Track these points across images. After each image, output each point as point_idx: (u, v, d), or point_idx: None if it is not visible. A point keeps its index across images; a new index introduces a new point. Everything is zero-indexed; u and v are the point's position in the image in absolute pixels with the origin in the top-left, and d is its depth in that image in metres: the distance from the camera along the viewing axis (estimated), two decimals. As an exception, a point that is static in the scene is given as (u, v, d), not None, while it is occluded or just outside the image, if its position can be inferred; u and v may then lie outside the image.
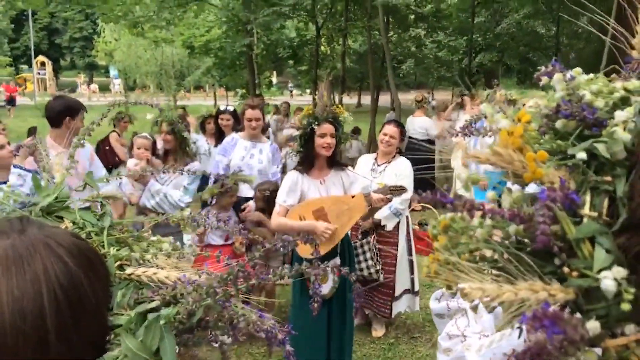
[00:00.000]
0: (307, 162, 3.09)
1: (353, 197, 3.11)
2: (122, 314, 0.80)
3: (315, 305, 1.00)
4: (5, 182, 3.14)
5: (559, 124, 0.66)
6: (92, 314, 0.71)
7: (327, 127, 2.99)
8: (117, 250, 0.96)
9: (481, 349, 1.02)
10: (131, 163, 3.73)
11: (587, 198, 0.61)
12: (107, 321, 0.76)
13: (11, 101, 22.23)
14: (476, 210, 0.59)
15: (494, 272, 0.60)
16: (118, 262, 0.93)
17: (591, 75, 0.75)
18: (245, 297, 0.88)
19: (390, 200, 3.24)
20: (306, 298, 3.04)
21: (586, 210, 0.60)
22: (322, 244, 3.01)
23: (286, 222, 3.02)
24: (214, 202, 3.90)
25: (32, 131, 9.53)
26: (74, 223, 1.02)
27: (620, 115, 0.65)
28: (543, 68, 0.75)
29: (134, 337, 0.74)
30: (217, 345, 0.87)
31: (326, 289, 3.05)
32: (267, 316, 0.82)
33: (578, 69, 0.76)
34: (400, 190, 3.29)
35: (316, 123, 2.97)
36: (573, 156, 0.63)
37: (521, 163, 0.61)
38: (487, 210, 0.58)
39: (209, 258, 1.05)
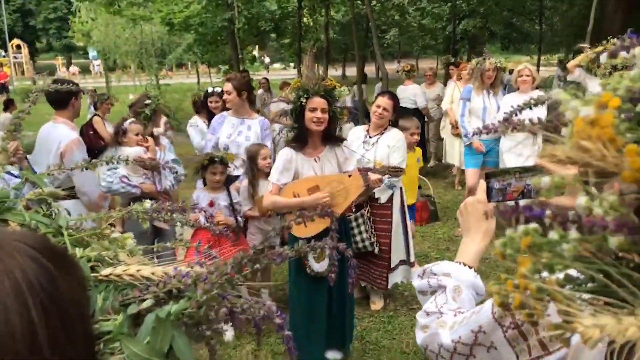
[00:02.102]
0: (300, 138, 2.99)
1: (350, 176, 3.05)
2: (108, 319, 0.73)
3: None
4: None
5: None
6: (80, 322, 0.63)
7: (318, 101, 2.87)
8: (84, 250, 0.88)
9: (454, 326, 1.02)
10: (139, 151, 3.52)
11: None
12: (92, 329, 0.68)
13: (3, 88, 21.46)
14: (571, 223, 0.48)
15: (585, 297, 0.50)
16: (90, 264, 0.86)
17: None
18: (241, 283, 0.82)
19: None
20: (303, 277, 3.01)
21: None
22: (317, 222, 2.96)
23: (281, 200, 2.96)
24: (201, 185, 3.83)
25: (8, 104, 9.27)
26: (22, 225, 0.91)
27: None
28: (617, 43, 0.63)
29: (135, 340, 0.68)
30: (213, 341, 0.82)
31: (323, 266, 3.02)
32: (264, 301, 0.78)
33: None
34: (398, 171, 3.26)
35: (306, 96, 2.87)
36: None
37: (616, 159, 0.49)
38: (586, 222, 0.47)
39: (197, 248, 0.99)
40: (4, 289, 0.55)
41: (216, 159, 3.57)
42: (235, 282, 0.76)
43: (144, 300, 0.75)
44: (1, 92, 21.46)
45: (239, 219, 3.72)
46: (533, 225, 0.50)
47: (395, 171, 3.30)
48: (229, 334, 3.35)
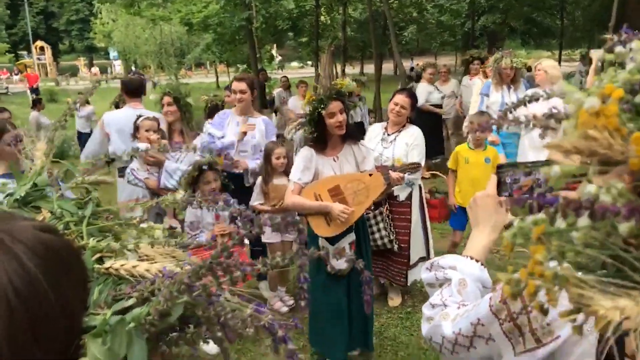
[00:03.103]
0: (321, 142, 3.04)
1: (370, 175, 3.08)
2: (98, 314, 0.70)
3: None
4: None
5: None
6: (57, 322, 0.60)
7: (335, 105, 2.91)
8: (98, 241, 0.86)
9: (456, 318, 1.04)
10: (143, 147, 3.68)
11: None
12: (79, 326, 0.66)
13: (36, 91, 21.49)
14: (584, 209, 0.49)
15: (603, 280, 0.51)
16: (97, 255, 0.83)
17: None
18: (240, 290, 0.75)
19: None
20: (323, 275, 3.03)
21: None
22: (338, 224, 3.00)
23: (302, 201, 2.99)
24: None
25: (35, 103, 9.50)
26: (52, 213, 0.92)
27: None
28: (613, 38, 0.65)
29: (101, 342, 0.65)
30: (207, 345, 0.78)
31: (343, 264, 3.05)
32: (264, 310, 0.69)
33: None
34: (417, 167, 3.28)
35: (322, 107, 2.91)
36: None
37: (622, 147, 0.51)
38: (598, 208, 0.48)
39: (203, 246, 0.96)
40: None
41: (204, 167, 3.33)
42: (207, 290, 0.67)
43: (131, 297, 0.72)
44: (33, 95, 21.71)
45: (239, 223, 3.62)
46: (542, 215, 0.52)
47: (414, 167, 3.31)
48: (212, 345, 3.32)
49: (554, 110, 0.65)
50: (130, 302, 0.70)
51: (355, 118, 7.08)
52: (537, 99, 0.71)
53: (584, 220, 0.49)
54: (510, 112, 0.70)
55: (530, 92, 5.09)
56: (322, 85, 3.01)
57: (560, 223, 0.50)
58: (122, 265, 0.78)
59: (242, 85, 4.00)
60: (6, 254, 0.58)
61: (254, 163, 3.91)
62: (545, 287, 0.50)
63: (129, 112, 3.87)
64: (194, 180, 3.30)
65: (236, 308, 0.70)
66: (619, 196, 0.50)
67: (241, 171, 3.90)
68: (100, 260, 0.82)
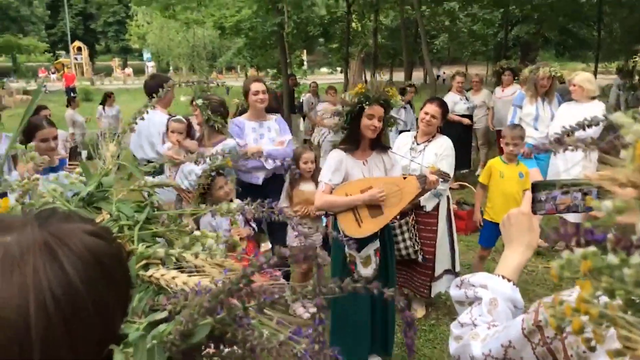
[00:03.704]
0: (353, 142, 3.03)
1: (405, 178, 3.06)
2: (134, 322, 0.69)
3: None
4: (56, 169, 3.18)
5: None
6: (92, 328, 0.61)
7: (377, 109, 2.92)
8: (148, 247, 0.85)
9: (486, 339, 1.01)
10: (165, 147, 3.75)
11: None
12: (116, 332, 0.66)
13: (71, 90, 21.93)
14: (635, 248, 0.46)
15: None
16: (143, 261, 0.82)
17: None
18: (268, 312, 0.70)
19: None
20: (346, 276, 3.02)
21: None
22: (370, 225, 2.98)
23: (334, 198, 2.98)
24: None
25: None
26: (110, 215, 0.92)
27: None
28: None
29: (121, 354, 0.64)
30: None
31: (369, 271, 3.03)
32: (295, 338, 0.65)
33: None
34: (446, 176, 3.24)
35: (367, 103, 2.90)
36: None
37: None
38: None
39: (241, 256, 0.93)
40: (11, 284, 0.57)
41: (213, 174, 3.38)
42: (233, 312, 0.64)
43: (165, 310, 0.70)
44: (70, 94, 22.22)
45: (253, 225, 3.54)
46: (592, 248, 0.49)
47: (445, 175, 3.27)
48: None
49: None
50: (163, 315, 0.69)
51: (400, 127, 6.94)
52: (597, 124, 0.68)
53: (637, 258, 0.47)
54: (568, 136, 0.67)
55: (592, 105, 4.87)
56: (373, 87, 2.96)
57: (612, 258, 0.48)
58: (162, 275, 0.78)
59: (263, 86, 3.96)
60: (50, 258, 0.59)
61: (270, 147, 3.84)
62: (592, 325, 0.48)
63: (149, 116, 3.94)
64: (205, 191, 3.19)
65: (268, 333, 0.67)
66: None
67: (260, 159, 3.84)
68: (146, 267, 0.82)
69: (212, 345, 0.69)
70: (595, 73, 14.67)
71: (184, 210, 1.07)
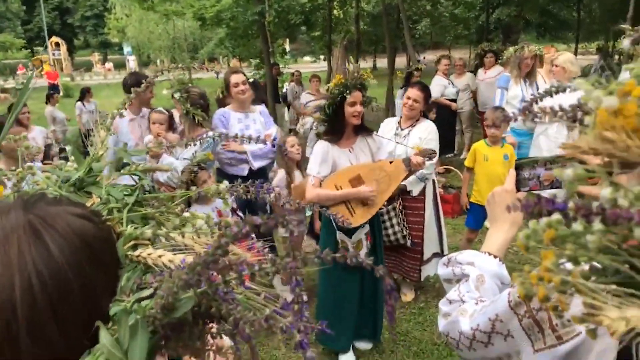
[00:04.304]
0: (337, 131, 3.05)
1: (391, 162, 3.10)
2: (123, 301, 0.69)
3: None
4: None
5: None
6: (79, 308, 0.62)
7: (357, 95, 2.96)
8: (136, 228, 0.85)
9: (474, 314, 1.03)
10: (147, 139, 3.72)
11: None
12: (104, 312, 0.66)
13: (54, 87, 21.47)
14: (595, 215, 0.46)
15: (612, 288, 0.49)
16: (132, 242, 0.82)
17: None
18: (253, 288, 0.69)
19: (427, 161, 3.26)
20: (337, 267, 3.04)
21: None
22: (362, 214, 3.00)
23: (327, 192, 2.99)
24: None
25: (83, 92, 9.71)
26: (100, 198, 0.92)
27: None
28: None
29: (106, 330, 0.64)
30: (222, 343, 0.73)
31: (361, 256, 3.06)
32: (281, 311, 0.63)
33: None
34: (432, 153, 3.27)
35: (347, 92, 2.93)
36: None
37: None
38: (611, 214, 0.46)
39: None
40: None
41: (195, 170, 3.22)
42: (214, 286, 0.63)
43: (151, 287, 0.70)
44: (53, 92, 21.71)
45: (240, 214, 3.52)
46: (556, 217, 0.50)
47: (432, 153, 3.30)
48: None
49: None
50: (148, 292, 0.69)
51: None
52: (563, 90, 0.68)
53: (599, 224, 0.47)
54: (536, 103, 0.67)
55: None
56: (351, 74, 3.02)
57: (577, 226, 0.48)
58: (149, 254, 0.78)
59: (243, 77, 3.93)
60: (35, 239, 0.60)
61: (253, 146, 3.80)
62: (556, 293, 0.49)
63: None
64: (188, 185, 3.16)
65: (254, 308, 0.66)
66: (637, 201, 0.47)
67: (244, 157, 3.85)
68: (135, 247, 0.82)
69: (208, 321, 0.70)
70: (575, 53, 14.79)
71: (174, 193, 1.07)
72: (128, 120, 3.87)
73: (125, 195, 0.93)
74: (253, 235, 0.71)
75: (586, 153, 0.53)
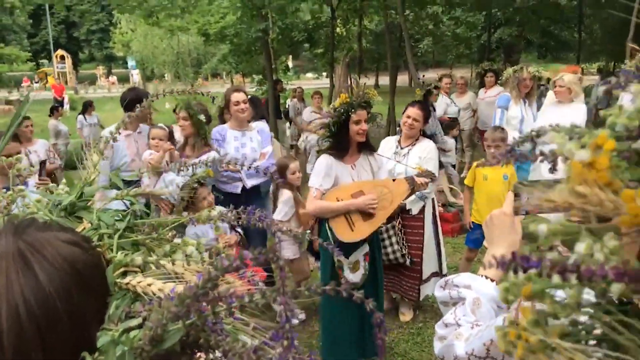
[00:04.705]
0: (342, 148, 3.07)
1: (394, 180, 3.11)
2: (110, 330, 0.68)
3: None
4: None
5: None
6: (66, 336, 0.61)
7: (362, 113, 2.99)
8: (126, 255, 0.85)
9: (469, 338, 1.02)
10: (146, 154, 3.72)
11: None
12: (92, 339, 0.65)
13: (61, 102, 21.39)
14: (570, 272, 0.45)
15: (590, 347, 0.49)
16: (122, 269, 0.81)
17: None
18: (242, 319, 0.68)
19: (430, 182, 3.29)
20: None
21: None
22: (363, 228, 2.99)
23: (326, 204, 3.00)
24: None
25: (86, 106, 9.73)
26: (91, 224, 0.92)
27: None
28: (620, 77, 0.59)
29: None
30: None
31: (357, 276, 3.04)
32: (270, 343, 0.62)
33: None
34: (432, 175, 3.29)
35: (353, 110, 2.96)
36: None
37: (613, 204, 0.47)
38: (585, 271, 0.45)
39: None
40: None
41: (195, 186, 3.20)
42: (203, 318, 0.62)
43: (139, 317, 0.69)
44: (59, 106, 21.60)
45: (239, 231, 3.51)
46: (534, 271, 0.48)
47: (431, 175, 3.31)
48: None
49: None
50: (137, 322, 0.68)
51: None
52: (541, 135, 0.68)
53: (574, 280, 0.46)
54: (518, 147, 0.67)
55: (575, 106, 4.85)
56: (357, 93, 3.04)
57: (556, 279, 0.47)
58: (139, 282, 0.78)
59: (244, 96, 3.96)
60: (24, 267, 0.60)
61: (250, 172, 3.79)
62: (535, 352, 0.48)
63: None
64: (188, 202, 3.12)
65: (242, 340, 0.65)
66: (611, 255, 0.46)
67: (238, 175, 3.87)
68: (125, 275, 0.82)
69: (196, 351, 0.68)
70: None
71: (164, 219, 1.06)
72: (124, 135, 3.87)
73: (116, 220, 0.92)
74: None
75: (560, 208, 0.52)
